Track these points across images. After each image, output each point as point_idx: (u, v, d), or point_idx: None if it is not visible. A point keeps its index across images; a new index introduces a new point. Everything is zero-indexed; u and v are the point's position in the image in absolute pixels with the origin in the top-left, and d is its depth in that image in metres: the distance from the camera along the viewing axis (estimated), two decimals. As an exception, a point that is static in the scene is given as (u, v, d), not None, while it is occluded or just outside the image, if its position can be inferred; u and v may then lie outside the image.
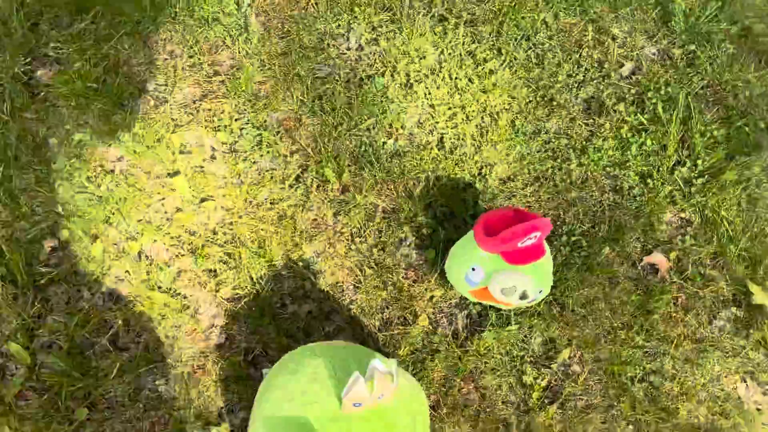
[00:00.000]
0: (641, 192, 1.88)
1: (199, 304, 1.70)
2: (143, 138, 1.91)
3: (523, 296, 1.53)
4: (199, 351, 1.64)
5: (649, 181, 1.89)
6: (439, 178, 1.90)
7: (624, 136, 1.96)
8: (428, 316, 1.70)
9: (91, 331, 1.62)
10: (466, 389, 1.61)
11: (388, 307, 1.71)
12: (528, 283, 1.53)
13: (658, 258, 1.78)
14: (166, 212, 1.81)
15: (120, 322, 1.65)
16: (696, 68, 2.12)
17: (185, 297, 1.70)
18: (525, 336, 1.66)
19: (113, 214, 1.78)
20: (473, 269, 1.56)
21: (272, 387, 1.35)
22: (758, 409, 1.61)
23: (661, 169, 1.90)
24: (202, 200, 1.83)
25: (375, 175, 1.88)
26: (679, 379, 1.63)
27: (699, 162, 1.90)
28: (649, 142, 1.94)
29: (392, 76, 2.08)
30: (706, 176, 1.89)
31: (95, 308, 1.65)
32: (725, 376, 1.65)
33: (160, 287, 1.71)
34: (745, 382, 1.64)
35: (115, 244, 1.75)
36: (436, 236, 1.79)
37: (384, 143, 1.96)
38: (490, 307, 1.70)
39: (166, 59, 2.09)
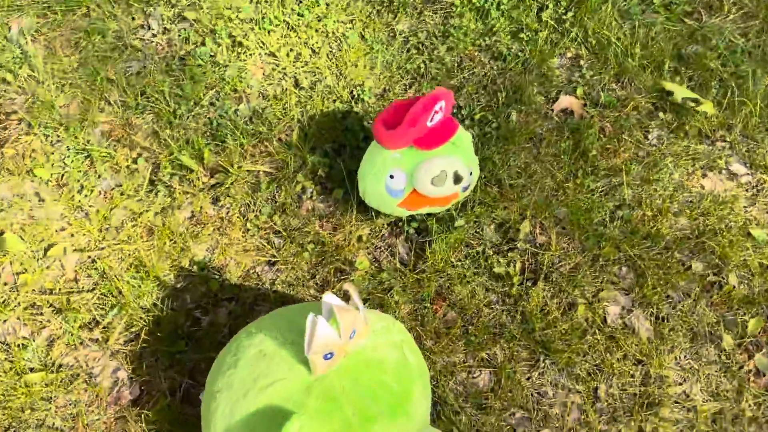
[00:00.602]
0: (520, 48, 1.77)
1: (90, 366, 1.35)
2: (-57, 214, 1.54)
3: (457, 179, 1.34)
4: (112, 417, 1.29)
5: (522, 35, 1.79)
6: (312, 117, 1.68)
7: (478, 4, 1.85)
8: (366, 257, 1.46)
9: (-43, 457, 1.23)
10: (441, 311, 1.38)
11: (317, 268, 1.46)
12: (455, 162, 1.34)
13: (567, 101, 1.67)
14: (6, 282, 1.45)
15: (-6, 429, 1.27)
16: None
17: (70, 365, 1.35)
18: (476, 230, 1.47)
19: (-65, 310, 1.40)
20: (391, 177, 1.35)
21: (215, 393, 1.05)
22: (734, 196, 1.52)
23: (528, 20, 1.81)
24: (47, 250, 1.49)
25: (241, 144, 1.63)
26: (646, 201, 1.51)
27: (560, -1, 1.83)
28: (505, 0, 1.84)
29: (214, 41, 1.85)
30: (573, 9, 1.81)
31: (-48, 426, 1.26)
32: (686, 180, 1.55)
33: (32, 368, 1.34)
34: (706, 175, 1.55)
35: (-48, 343, 1.36)
36: (336, 173, 1.57)
37: (236, 110, 1.72)
38: (427, 216, 1.49)
39: (-62, 122, 1.72)
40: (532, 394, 1.29)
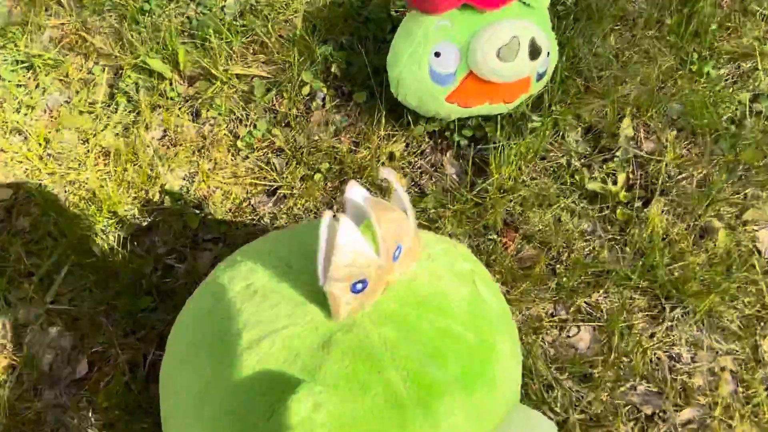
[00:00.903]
0: None
1: (20, 337, 0.97)
2: None
3: (534, 51, 0.95)
4: (50, 403, 0.91)
5: None
6: (322, 7, 1.28)
7: None
8: (402, 178, 1.07)
9: None
10: (513, 246, 0.98)
11: (334, 195, 1.07)
12: (530, 27, 0.94)
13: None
14: None
15: None
16: None
17: (-9, 334, 0.97)
18: (555, 138, 1.07)
19: None
20: (437, 55, 0.96)
21: (178, 358, 0.66)
22: None
23: None
24: (-32, 184, 1.11)
25: (228, 42, 1.24)
26: (793, 90, 1.10)
27: None
28: None
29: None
30: None
31: None
32: None
33: (-62, 340, 0.97)
34: None
35: None
36: (356, 71, 1.17)
37: (222, 7, 1.32)
38: (485, 121, 1.09)
39: None
40: (659, 359, 0.88)
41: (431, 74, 0.98)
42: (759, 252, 0.95)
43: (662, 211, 0.98)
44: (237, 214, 1.08)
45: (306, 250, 0.65)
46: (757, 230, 0.97)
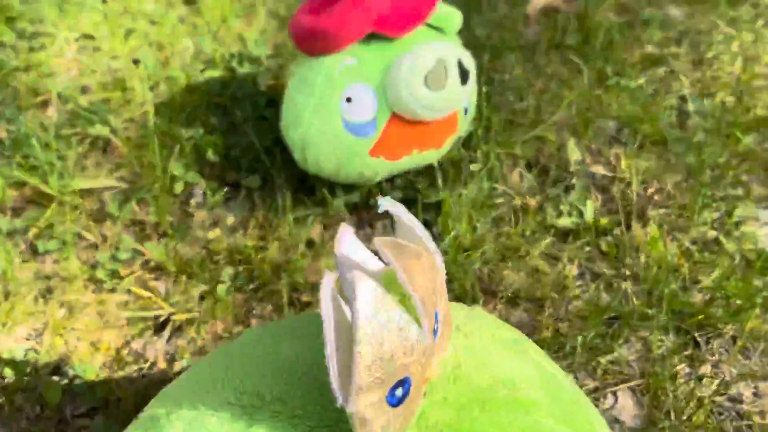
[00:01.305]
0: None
1: None
2: None
3: (464, 74, 0.81)
4: None
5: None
6: (177, 94, 1.09)
7: None
8: (334, 269, 0.85)
9: None
10: (496, 315, 0.79)
11: (249, 310, 0.82)
12: (452, 47, 0.82)
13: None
14: None
15: None
16: None
17: None
18: (497, 181, 0.93)
19: None
20: (348, 100, 0.79)
21: None
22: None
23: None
24: None
25: (60, 157, 0.99)
26: (715, 85, 1.06)
27: None
28: None
29: (-11, 36, 1.22)
30: None
31: None
32: (754, 52, 1.13)
33: None
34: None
35: None
36: (238, 151, 0.97)
37: (42, 123, 1.09)
38: (414, 176, 0.92)
39: None
40: (722, 406, 0.71)
41: (346, 126, 0.80)
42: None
43: (648, 232, 0.85)
44: (116, 367, 0.79)
45: (279, 361, 0.41)
46: (755, 229, 0.87)
